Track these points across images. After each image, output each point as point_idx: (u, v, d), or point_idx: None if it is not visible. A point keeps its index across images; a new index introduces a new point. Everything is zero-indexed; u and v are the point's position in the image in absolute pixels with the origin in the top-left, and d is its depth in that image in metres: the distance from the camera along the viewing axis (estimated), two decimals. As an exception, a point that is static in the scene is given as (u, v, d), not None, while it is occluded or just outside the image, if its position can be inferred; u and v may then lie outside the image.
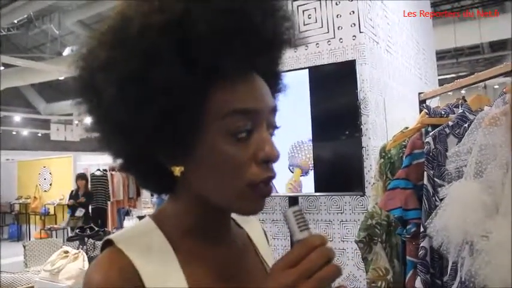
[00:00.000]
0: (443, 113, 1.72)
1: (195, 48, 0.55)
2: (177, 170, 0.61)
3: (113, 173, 9.22)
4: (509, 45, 11.16)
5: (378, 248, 1.77)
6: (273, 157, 0.59)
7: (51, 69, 10.98)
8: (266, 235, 0.83)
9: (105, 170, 9.30)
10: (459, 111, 1.59)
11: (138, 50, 0.55)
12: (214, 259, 0.65)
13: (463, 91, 1.96)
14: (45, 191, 10.50)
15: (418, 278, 1.48)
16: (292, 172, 2.57)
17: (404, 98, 3.30)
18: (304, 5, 2.84)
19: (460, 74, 12.50)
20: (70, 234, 6.72)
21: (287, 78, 0.75)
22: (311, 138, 2.53)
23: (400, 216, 1.61)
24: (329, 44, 2.74)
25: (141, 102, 0.56)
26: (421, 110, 1.94)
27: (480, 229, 1.13)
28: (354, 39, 2.66)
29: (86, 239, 4.10)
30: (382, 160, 1.89)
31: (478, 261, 1.10)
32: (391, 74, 3.10)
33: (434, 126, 1.63)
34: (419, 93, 2.14)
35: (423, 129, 1.70)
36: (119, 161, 0.65)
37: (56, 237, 8.03)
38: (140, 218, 9.05)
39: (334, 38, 2.73)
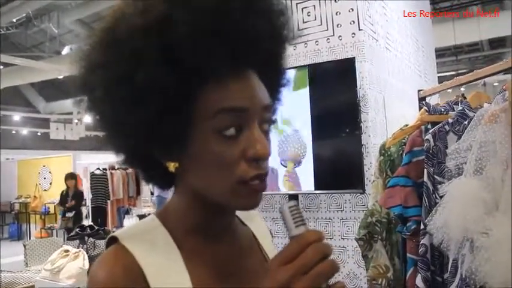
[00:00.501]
0: (443, 110, 1.72)
1: (178, 50, 0.56)
2: (172, 166, 0.62)
3: (113, 171, 9.21)
4: (509, 42, 11.15)
5: (378, 246, 1.77)
6: (262, 155, 0.58)
7: (50, 68, 10.97)
8: (271, 233, 0.83)
9: (105, 169, 9.29)
10: (459, 109, 1.59)
11: (125, 52, 0.56)
12: (217, 257, 0.66)
13: (462, 88, 1.97)
14: (45, 190, 10.50)
15: (419, 275, 1.48)
16: (286, 166, 2.58)
17: (403, 96, 3.30)
18: (303, 2, 2.84)
19: (460, 71, 12.48)
20: (68, 234, 6.73)
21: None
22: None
23: (400, 214, 1.61)
24: (328, 42, 2.74)
25: (128, 102, 0.57)
26: (420, 108, 1.94)
27: (480, 226, 1.13)
28: (353, 37, 2.65)
29: (86, 238, 4.09)
30: (382, 158, 1.89)
31: (478, 258, 1.10)
32: (390, 71, 3.10)
33: (434, 124, 1.63)
34: (419, 91, 2.14)
35: (423, 127, 1.70)
36: (121, 157, 0.66)
37: (57, 236, 8.03)
38: (140, 216, 9.07)
39: (334, 35, 2.72)
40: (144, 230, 0.65)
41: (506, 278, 1.03)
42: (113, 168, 9.40)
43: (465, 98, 1.67)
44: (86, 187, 9.63)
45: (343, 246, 2.62)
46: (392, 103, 2.96)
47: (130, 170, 9.59)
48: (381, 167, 1.88)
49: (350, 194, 2.60)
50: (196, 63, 0.56)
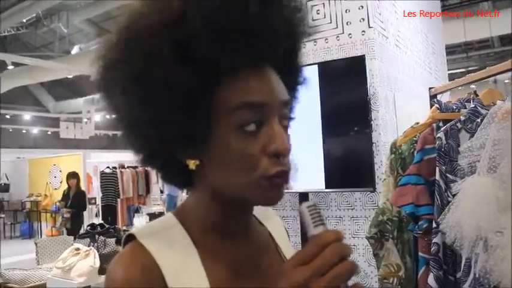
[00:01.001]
0: (454, 107, 1.70)
1: (195, 46, 0.56)
2: (192, 164, 0.62)
3: (123, 170, 9.27)
4: (520, 38, 11.03)
5: (390, 244, 1.76)
6: (283, 150, 0.58)
7: (59, 67, 11.05)
8: (287, 232, 0.82)
9: (115, 168, 9.35)
10: (471, 106, 1.57)
11: (142, 50, 0.57)
12: (234, 256, 0.65)
13: (472, 85, 1.94)
14: (55, 188, 10.56)
15: (431, 274, 1.47)
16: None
17: (414, 93, 3.28)
18: (312, 0, 2.83)
19: (470, 68, 12.39)
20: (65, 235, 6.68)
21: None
22: (321, 133, 2.53)
23: (412, 212, 1.60)
24: (338, 40, 2.73)
25: (147, 99, 0.58)
26: (431, 105, 1.92)
27: (494, 225, 1.12)
28: (363, 34, 2.64)
29: (96, 236, 4.11)
30: (393, 156, 1.88)
31: (492, 257, 1.09)
32: (400, 68, 3.08)
33: (445, 122, 1.62)
34: (430, 88, 2.12)
35: (434, 125, 1.68)
36: (140, 156, 0.66)
37: (68, 234, 8.08)
38: (150, 215, 9.12)
39: (343, 33, 2.71)
40: (161, 228, 0.64)
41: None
42: (122, 166, 9.46)
43: (477, 95, 1.66)
44: (96, 186, 9.70)
45: (354, 245, 2.61)
46: (402, 101, 2.95)
47: (139, 169, 9.65)
48: (391, 165, 1.87)
49: (360, 192, 2.59)
50: (214, 59, 0.56)
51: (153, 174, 10.26)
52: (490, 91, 1.63)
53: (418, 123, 1.86)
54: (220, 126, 0.59)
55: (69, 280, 3.57)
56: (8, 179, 12.40)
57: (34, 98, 17.37)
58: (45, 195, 10.67)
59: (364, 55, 2.49)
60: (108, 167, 9.40)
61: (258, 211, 0.75)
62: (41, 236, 10.14)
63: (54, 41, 12.93)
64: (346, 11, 2.71)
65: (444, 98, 2.02)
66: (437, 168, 1.52)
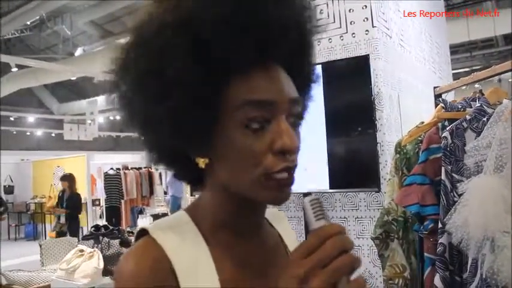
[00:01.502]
0: (460, 107, 1.69)
1: (206, 44, 0.57)
2: (202, 162, 0.63)
3: (126, 171, 9.30)
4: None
5: (395, 245, 1.75)
6: (289, 147, 0.58)
7: (63, 69, 11.07)
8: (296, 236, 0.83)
9: (119, 169, 9.38)
10: (476, 105, 1.56)
11: (155, 48, 0.58)
12: (244, 254, 0.66)
13: (477, 85, 1.93)
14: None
15: (437, 274, 1.46)
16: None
17: (418, 93, 3.26)
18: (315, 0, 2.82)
19: (474, 67, 12.33)
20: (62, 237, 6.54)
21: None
22: (325, 133, 2.51)
23: (417, 212, 1.59)
24: (342, 39, 2.72)
25: (158, 96, 0.58)
26: (436, 104, 1.91)
27: (501, 225, 1.11)
28: (366, 34, 2.63)
29: (100, 237, 4.11)
30: (398, 155, 1.86)
31: (500, 258, 1.08)
32: (404, 68, 3.07)
33: (450, 121, 1.60)
34: (435, 87, 2.10)
35: (439, 124, 1.67)
36: (152, 156, 0.67)
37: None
38: (154, 216, 9.13)
39: (347, 32, 2.70)
40: (174, 224, 0.65)
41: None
42: (126, 168, 9.49)
43: (483, 94, 1.64)
44: (99, 187, 9.71)
45: (359, 245, 2.59)
46: (406, 100, 2.93)
47: (143, 170, 9.68)
48: (396, 165, 1.86)
49: (365, 192, 2.58)
50: (224, 57, 0.57)
51: (157, 176, 10.29)
52: (495, 90, 1.62)
53: (423, 122, 1.85)
54: (228, 124, 0.59)
55: (73, 281, 3.57)
56: (12, 181, 12.43)
57: (38, 100, 17.41)
58: (50, 196, 10.68)
59: (368, 55, 2.48)
60: (111, 169, 9.43)
61: (269, 213, 0.76)
62: (45, 238, 10.17)
63: (57, 43, 12.97)
64: (349, 10, 2.70)
65: (448, 98, 2.00)
66: (443, 168, 1.50)
